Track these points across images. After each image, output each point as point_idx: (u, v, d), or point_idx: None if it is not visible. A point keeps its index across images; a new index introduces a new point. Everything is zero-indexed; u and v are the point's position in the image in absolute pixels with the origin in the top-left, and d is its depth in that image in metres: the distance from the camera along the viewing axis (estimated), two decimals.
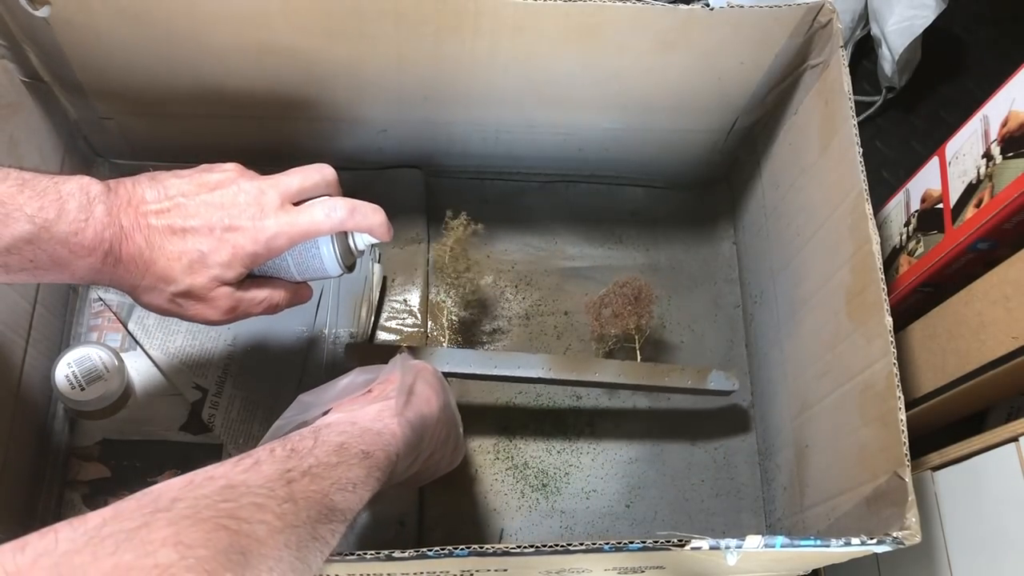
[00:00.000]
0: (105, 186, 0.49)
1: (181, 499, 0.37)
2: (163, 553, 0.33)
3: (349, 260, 0.57)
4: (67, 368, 0.69)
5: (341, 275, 0.57)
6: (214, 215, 0.50)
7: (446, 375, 0.68)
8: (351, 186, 0.85)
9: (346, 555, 0.49)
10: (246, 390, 0.75)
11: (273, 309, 0.56)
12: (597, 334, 0.79)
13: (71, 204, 0.46)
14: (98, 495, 0.71)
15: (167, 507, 0.36)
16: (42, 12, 0.61)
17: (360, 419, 0.51)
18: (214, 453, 0.74)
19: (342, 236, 0.56)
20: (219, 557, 0.35)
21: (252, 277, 0.55)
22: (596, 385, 0.76)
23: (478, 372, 0.72)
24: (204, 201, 0.51)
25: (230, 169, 0.53)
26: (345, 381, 0.57)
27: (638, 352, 0.77)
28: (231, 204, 0.51)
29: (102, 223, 0.47)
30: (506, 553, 0.50)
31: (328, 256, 0.55)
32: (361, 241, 0.56)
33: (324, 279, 0.58)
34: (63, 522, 0.33)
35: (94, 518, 0.34)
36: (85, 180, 0.48)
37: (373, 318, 0.80)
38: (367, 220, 0.55)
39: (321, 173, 0.55)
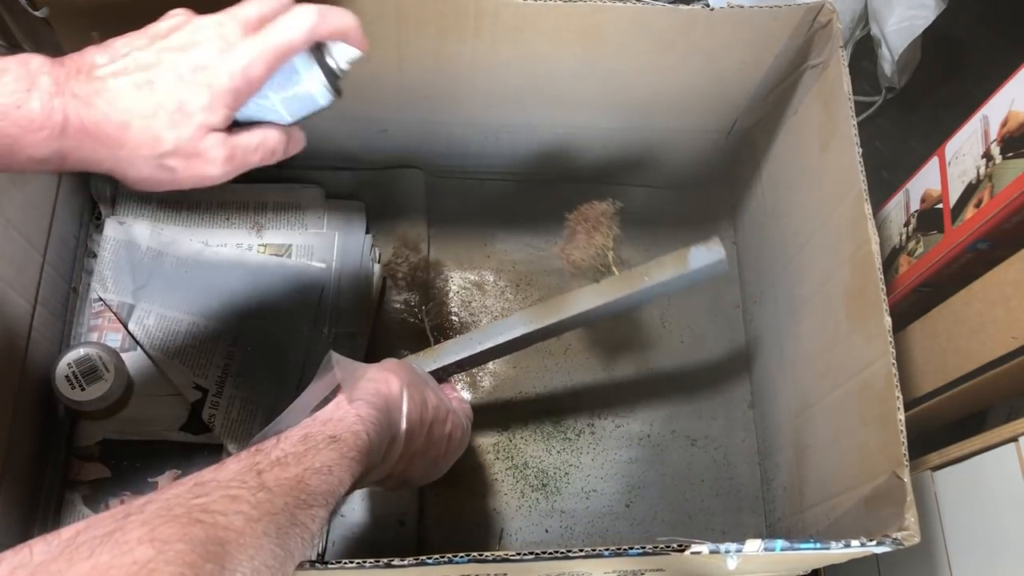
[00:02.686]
0: (49, 59, 0.45)
1: (152, 501, 0.37)
2: (140, 551, 0.33)
3: (335, 81, 0.52)
4: (67, 368, 0.69)
5: (331, 102, 0.52)
6: (178, 59, 0.45)
7: (437, 372, 0.67)
8: (351, 186, 0.85)
9: (346, 563, 0.49)
10: (246, 390, 0.75)
11: (270, 154, 0.51)
12: (574, 274, 0.73)
13: (7, 77, 0.43)
14: (98, 495, 0.71)
15: (138, 510, 0.36)
16: (42, 12, 0.61)
17: (320, 415, 0.51)
18: (214, 453, 0.74)
19: (320, 56, 0.51)
20: (197, 549, 0.35)
21: (240, 125, 0.50)
22: (584, 320, 0.69)
23: (467, 355, 0.68)
24: (162, 48, 0.46)
25: (179, 12, 0.48)
26: (303, 399, 0.55)
27: (613, 268, 0.70)
28: (192, 44, 0.46)
29: (48, 93, 0.43)
30: (506, 559, 0.50)
31: (311, 79, 0.50)
32: (341, 57, 0.51)
33: (315, 112, 0.52)
34: (37, 538, 0.34)
35: (67, 531, 0.34)
36: (25, 55, 0.44)
37: (373, 318, 0.80)
38: (341, 21, 0.49)
39: None
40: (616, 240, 0.70)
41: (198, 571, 0.34)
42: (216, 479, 0.40)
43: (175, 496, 0.38)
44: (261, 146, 0.50)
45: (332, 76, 0.51)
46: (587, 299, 0.67)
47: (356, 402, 0.52)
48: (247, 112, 0.50)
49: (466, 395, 0.81)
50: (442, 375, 0.68)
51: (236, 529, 0.37)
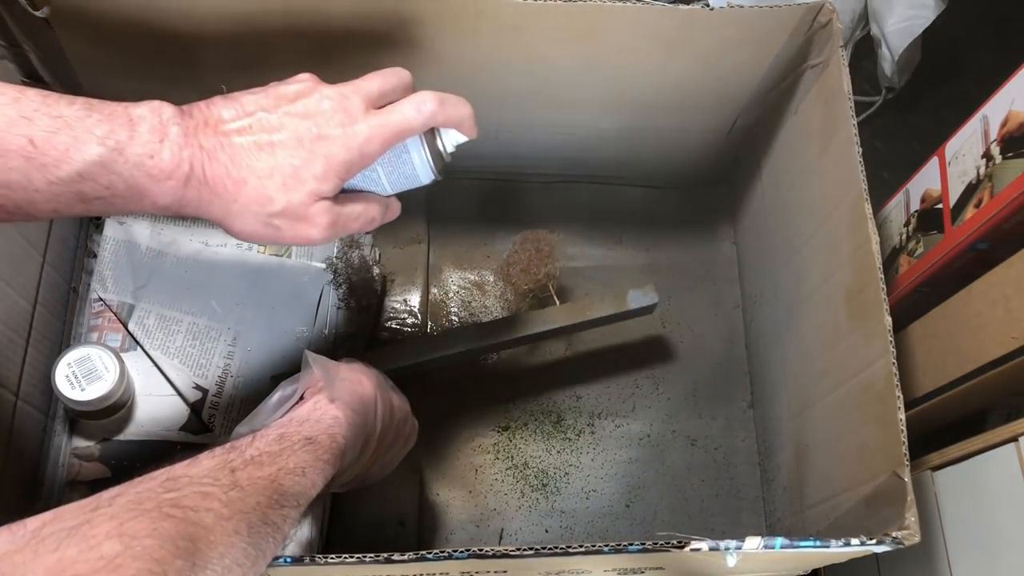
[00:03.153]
0: (178, 109, 0.46)
1: (122, 495, 0.36)
2: (108, 545, 0.33)
3: (439, 163, 0.54)
4: (67, 368, 0.69)
5: (433, 181, 0.54)
6: (300, 126, 0.47)
7: (393, 371, 0.67)
8: None
9: (346, 558, 0.49)
10: (246, 390, 0.75)
11: (369, 224, 0.52)
12: (513, 293, 0.79)
13: (143, 127, 0.44)
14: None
15: (107, 503, 0.36)
16: (42, 12, 0.61)
17: (297, 415, 0.51)
18: None
19: (431, 138, 0.53)
20: (167, 545, 0.34)
21: (345, 192, 0.51)
22: (529, 340, 0.75)
23: (411, 362, 0.71)
24: (287, 112, 0.47)
25: (306, 79, 0.50)
26: (275, 398, 0.55)
27: (555, 298, 0.76)
28: (316, 113, 0.48)
29: (178, 144, 0.44)
30: (505, 555, 0.50)
31: (420, 160, 0.52)
32: (449, 141, 0.53)
33: (415, 188, 0.54)
34: (2, 527, 0.33)
35: (33, 522, 0.34)
36: (156, 103, 0.45)
37: (373, 318, 0.80)
38: (457, 111, 0.51)
39: (398, 76, 0.52)
40: (555, 273, 0.77)
41: (167, 567, 0.34)
42: (188, 474, 0.40)
43: (146, 490, 0.37)
44: (362, 216, 0.51)
45: (438, 158, 0.53)
46: (534, 323, 0.73)
47: (336, 401, 0.52)
48: (353, 181, 0.51)
49: (467, 394, 0.81)
50: (400, 376, 0.68)
51: (207, 526, 0.37)
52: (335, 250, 0.81)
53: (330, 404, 0.52)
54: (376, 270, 0.81)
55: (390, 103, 0.51)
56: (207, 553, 0.36)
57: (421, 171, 0.53)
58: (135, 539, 0.34)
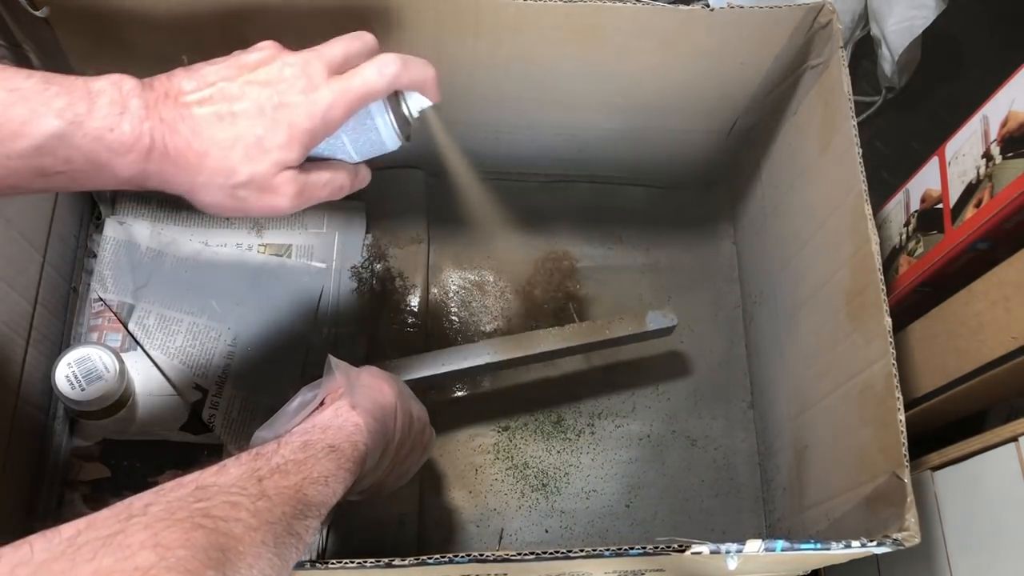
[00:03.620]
0: (139, 81, 0.45)
1: (154, 503, 0.37)
2: (142, 556, 0.33)
3: (405, 128, 0.53)
4: (67, 368, 0.69)
5: (399, 147, 0.54)
6: (262, 94, 0.46)
7: (411, 383, 0.67)
8: None
9: (347, 563, 0.49)
10: (246, 390, 0.75)
11: (338, 192, 0.52)
12: (533, 315, 0.80)
13: (102, 100, 0.43)
14: (98, 495, 0.71)
15: (141, 512, 0.36)
16: (42, 12, 0.61)
17: (319, 421, 0.51)
18: (214, 453, 0.74)
19: (395, 102, 0.52)
20: (199, 556, 0.35)
21: (311, 160, 0.51)
22: (545, 357, 0.76)
23: (428, 374, 0.72)
24: (248, 81, 0.47)
25: (268, 46, 0.49)
26: (296, 402, 0.55)
27: (575, 316, 0.78)
28: (278, 80, 0.47)
29: (139, 117, 0.44)
30: (506, 559, 0.50)
31: (384, 125, 0.52)
32: (414, 105, 0.53)
33: (382, 154, 0.54)
34: (36, 535, 0.33)
35: (68, 529, 0.34)
36: (116, 76, 0.45)
37: (373, 318, 0.80)
38: (420, 73, 0.51)
39: (362, 40, 0.51)
40: (577, 295, 0.80)
41: None
42: (217, 483, 0.40)
43: (177, 499, 0.38)
44: (329, 183, 0.51)
45: (404, 123, 0.53)
46: (551, 341, 0.74)
47: (357, 409, 0.52)
48: (318, 149, 0.51)
49: (467, 394, 0.81)
50: (417, 388, 0.68)
51: (236, 536, 0.37)
52: (360, 259, 0.81)
53: (351, 411, 0.52)
54: (398, 281, 0.82)
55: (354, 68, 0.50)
56: (236, 564, 0.37)
57: (386, 136, 0.52)
58: (169, 550, 0.34)
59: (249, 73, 0.47)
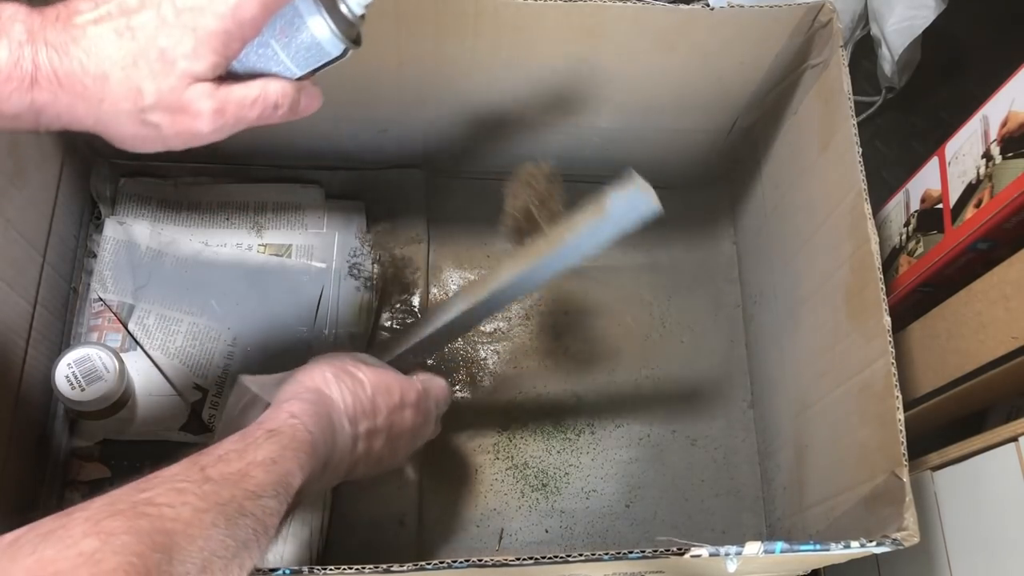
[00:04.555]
0: (29, 8, 0.41)
1: (96, 499, 0.36)
2: (85, 543, 0.33)
3: (346, 27, 0.45)
4: (67, 368, 0.69)
5: (346, 53, 0.46)
6: (163, 2, 0.41)
7: (397, 360, 0.66)
8: (351, 186, 0.85)
9: (344, 569, 0.49)
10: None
11: (273, 110, 0.45)
12: (511, 232, 0.68)
13: None
14: (98, 495, 0.71)
15: (82, 508, 0.35)
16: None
17: (256, 420, 0.51)
18: None
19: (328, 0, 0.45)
20: (144, 540, 0.34)
21: (240, 76, 0.45)
22: (524, 287, 0.64)
23: (414, 342, 0.66)
24: None
25: None
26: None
27: (544, 225, 0.65)
28: None
29: (18, 41, 0.39)
30: (505, 564, 0.50)
31: (317, 23, 0.44)
32: (355, 0, 0.46)
33: (328, 64, 0.46)
34: None
35: (7, 536, 0.33)
36: (2, 3, 0.41)
37: (373, 318, 0.80)
38: None
39: None
40: (545, 203, 0.67)
41: (146, 560, 0.34)
42: (160, 476, 0.40)
43: (119, 493, 0.37)
44: (260, 100, 0.44)
45: (344, 22, 0.45)
46: (516, 265, 0.62)
47: (286, 402, 0.52)
48: (248, 63, 0.45)
49: (467, 394, 0.81)
50: (402, 365, 0.66)
51: (184, 520, 0.37)
52: (360, 259, 0.81)
53: (279, 407, 0.51)
54: (376, 269, 0.81)
55: None
56: (185, 546, 0.36)
57: (323, 38, 0.45)
58: (112, 535, 0.34)
59: None
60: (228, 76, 0.44)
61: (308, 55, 0.45)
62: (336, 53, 0.46)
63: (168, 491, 0.38)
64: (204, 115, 0.42)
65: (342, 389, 0.56)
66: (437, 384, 0.65)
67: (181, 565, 0.36)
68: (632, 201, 0.58)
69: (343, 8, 0.45)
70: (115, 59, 0.41)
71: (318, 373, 0.56)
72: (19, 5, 0.41)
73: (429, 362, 0.82)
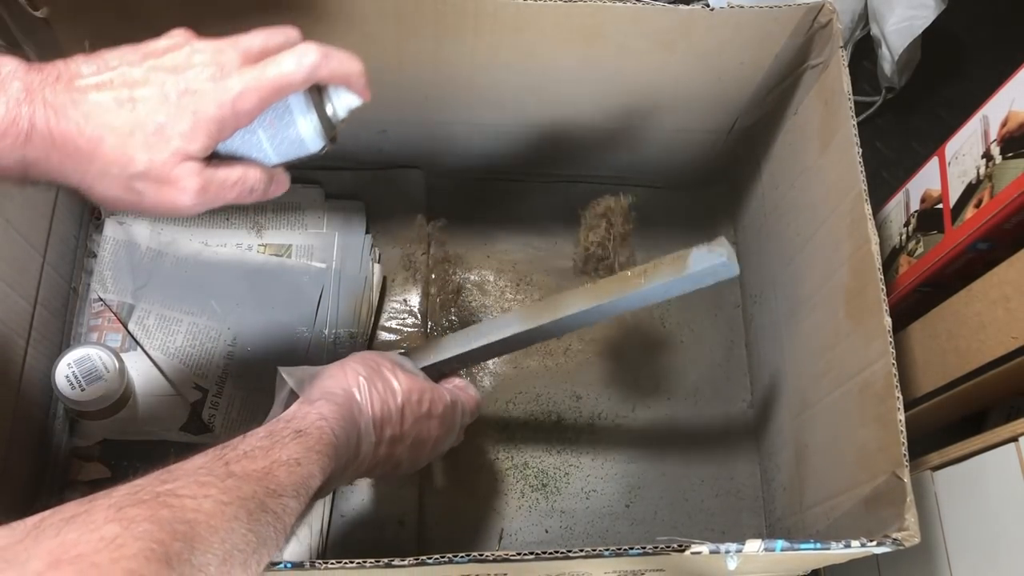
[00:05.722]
0: (27, 64, 0.42)
1: (119, 488, 0.36)
2: (107, 528, 0.33)
3: (330, 129, 0.49)
4: (67, 368, 0.69)
5: (322, 150, 0.50)
6: (167, 81, 0.43)
7: (435, 367, 0.66)
8: (351, 186, 0.85)
9: (346, 563, 0.49)
10: (246, 390, 0.75)
11: (248, 193, 0.48)
12: (581, 260, 0.72)
13: None
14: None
15: (105, 495, 0.35)
16: (42, 12, 0.61)
17: (282, 416, 0.51)
18: None
19: (318, 99, 0.48)
20: (165, 528, 0.34)
21: (220, 157, 0.47)
22: (580, 322, 0.64)
23: (461, 352, 0.66)
24: (153, 67, 0.44)
25: (179, 33, 0.46)
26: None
27: (616, 265, 0.68)
28: (186, 66, 0.44)
29: (16, 99, 0.41)
30: (506, 559, 0.50)
31: (305, 123, 0.48)
32: (340, 104, 0.49)
33: (304, 158, 0.50)
34: (1, 526, 0.33)
35: (32, 518, 0.34)
36: (1, 58, 0.42)
37: (373, 318, 0.80)
38: (344, 67, 0.47)
39: (285, 34, 0.47)
40: (621, 239, 0.69)
41: (167, 548, 0.34)
42: (183, 468, 0.40)
43: (142, 483, 0.37)
44: (239, 183, 0.47)
45: (328, 123, 0.49)
46: (582, 300, 0.63)
47: (316, 401, 0.52)
48: (231, 145, 0.47)
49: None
50: (441, 370, 0.67)
51: (206, 511, 0.37)
52: (360, 259, 0.80)
53: (310, 406, 0.52)
54: (376, 269, 0.81)
55: None
56: (207, 537, 0.36)
57: (307, 136, 0.48)
58: (134, 522, 0.34)
59: (155, 59, 0.44)
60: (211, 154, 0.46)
61: (289, 148, 0.49)
62: (315, 150, 0.49)
63: (191, 483, 0.38)
64: (188, 191, 0.45)
65: (372, 395, 0.56)
66: (468, 396, 0.66)
67: (202, 555, 0.36)
68: (716, 265, 0.58)
69: (329, 110, 0.49)
70: (113, 126, 0.43)
71: (352, 374, 0.56)
72: (19, 61, 0.42)
73: None
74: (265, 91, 0.45)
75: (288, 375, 0.56)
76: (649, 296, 0.62)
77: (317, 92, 0.48)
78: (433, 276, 0.85)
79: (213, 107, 0.44)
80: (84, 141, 0.42)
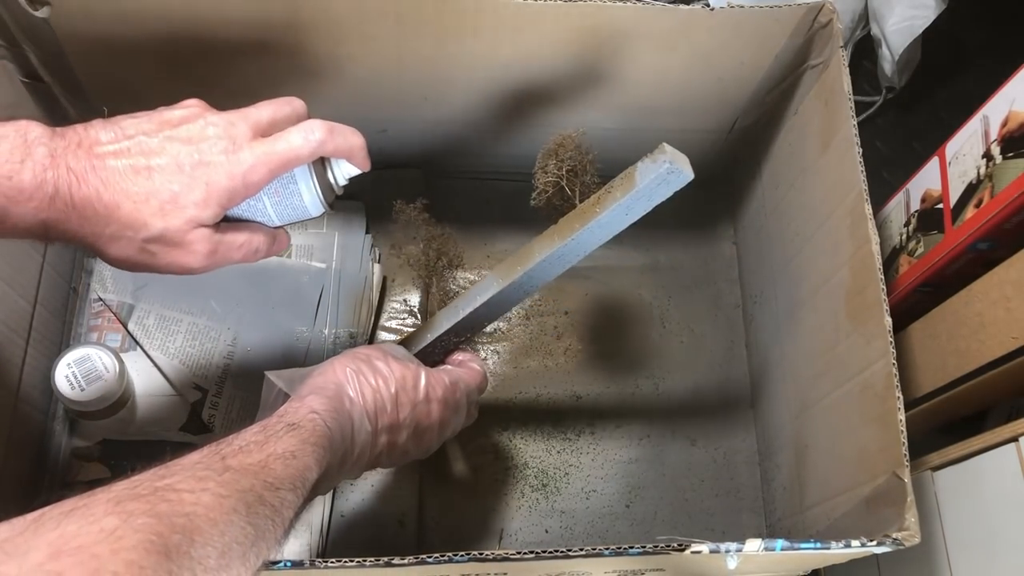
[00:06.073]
0: (50, 129, 0.45)
1: (118, 483, 0.37)
2: (107, 520, 0.33)
3: (330, 196, 0.53)
4: (67, 368, 0.69)
5: (322, 215, 0.54)
6: (182, 151, 0.46)
7: (427, 350, 0.65)
8: (351, 186, 0.85)
9: (346, 562, 0.49)
10: (246, 390, 0.75)
11: (253, 255, 0.52)
12: (543, 207, 0.65)
13: (3, 145, 0.43)
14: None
15: (104, 490, 0.36)
16: (42, 12, 0.61)
17: (276, 412, 0.51)
18: None
19: (320, 169, 0.52)
20: (164, 521, 0.35)
21: (228, 221, 0.50)
22: (557, 265, 0.61)
23: (450, 326, 0.65)
24: (169, 137, 0.47)
25: (193, 104, 0.49)
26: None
27: (577, 202, 0.63)
28: (199, 139, 0.47)
29: (42, 165, 0.43)
30: (506, 558, 0.50)
31: (308, 191, 0.52)
32: (340, 174, 0.53)
33: (304, 220, 0.54)
34: (1, 522, 0.33)
35: (33, 513, 0.34)
36: (23, 122, 0.44)
37: (373, 318, 0.80)
38: (347, 141, 0.51)
39: (292, 105, 0.51)
40: (575, 174, 0.64)
41: (166, 540, 0.34)
42: (180, 463, 0.40)
43: (140, 478, 0.37)
44: (245, 245, 0.51)
45: (328, 190, 0.53)
46: (548, 243, 0.61)
47: (306, 397, 0.52)
48: (238, 211, 0.51)
49: None
50: (440, 350, 0.66)
51: (204, 505, 0.37)
52: (360, 259, 0.80)
53: (301, 401, 0.52)
54: (376, 270, 0.81)
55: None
56: (207, 530, 0.37)
57: (310, 203, 0.52)
58: (133, 515, 0.34)
59: (171, 129, 0.47)
60: None
61: (292, 213, 0.53)
62: (315, 215, 0.54)
63: (189, 478, 0.39)
64: (199, 254, 0.48)
65: (363, 386, 0.56)
66: (472, 371, 0.65)
67: (201, 548, 0.36)
68: (662, 173, 0.56)
69: (331, 179, 0.53)
70: (129, 193, 0.45)
71: (340, 369, 0.56)
72: (42, 128, 0.45)
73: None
74: (274, 165, 0.48)
75: (277, 377, 0.56)
76: (612, 223, 0.60)
77: (320, 163, 0.52)
78: (433, 276, 0.85)
79: (225, 179, 0.47)
80: (102, 207, 0.45)
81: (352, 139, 0.51)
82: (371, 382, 0.57)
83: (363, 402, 0.56)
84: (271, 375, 0.56)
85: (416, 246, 0.73)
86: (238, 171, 0.47)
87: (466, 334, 0.67)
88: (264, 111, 0.49)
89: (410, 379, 0.59)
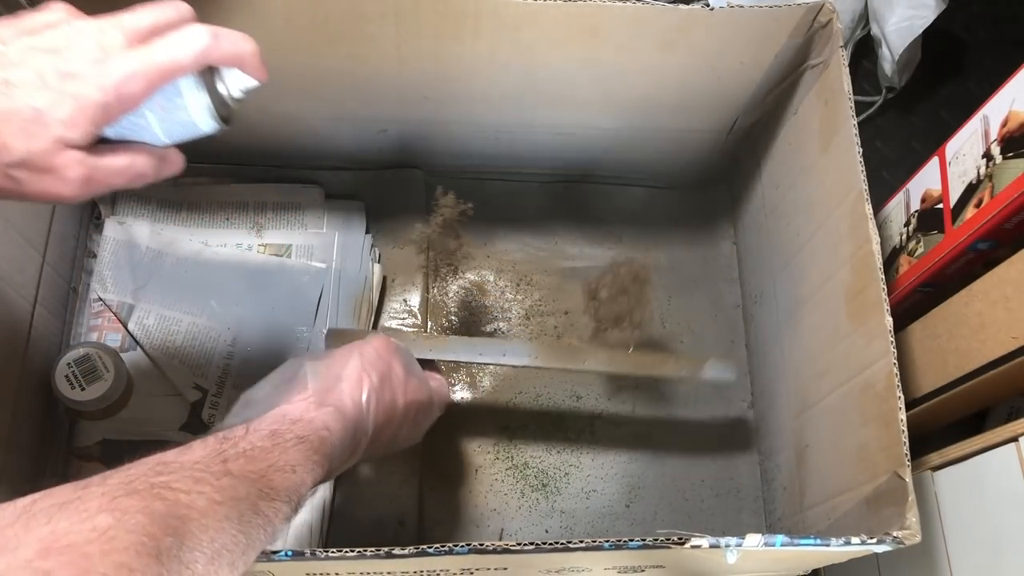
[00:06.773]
0: None
1: (113, 475, 0.36)
2: (100, 518, 0.33)
3: (223, 110, 0.47)
4: (67, 368, 0.69)
5: (217, 131, 0.47)
6: (45, 62, 0.40)
7: (429, 361, 0.66)
8: (351, 186, 0.85)
9: (346, 552, 0.49)
10: (246, 390, 0.75)
11: (138, 179, 0.45)
12: (592, 316, 0.74)
13: None
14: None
15: (99, 482, 0.35)
16: None
17: (291, 412, 0.50)
18: None
19: (209, 80, 0.46)
20: (157, 521, 0.34)
21: (107, 142, 0.44)
22: (584, 373, 0.71)
23: (463, 359, 0.68)
24: (29, 46, 0.40)
25: (60, 8, 0.43)
26: (267, 389, 0.54)
27: (632, 338, 0.72)
28: (65, 47, 0.41)
29: None
30: (506, 551, 0.50)
31: (196, 104, 0.45)
32: (234, 85, 0.46)
33: (196, 138, 0.47)
34: None
35: (23, 500, 0.33)
36: None
37: (373, 318, 0.80)
38: (236, 47, 0.44)
39: (176, 9, 0.44)
40: (643, 312, 0.72)
41: (158, 542, 0.34)
42: (180, 461, 0.40)
43: (137, 473, 0.37)
44: (128, 170, 0.45)
45: (222, 104, 0.47)
46: (597, 361, 0.69)
47: (325, 408, 0.51)
48: (117, 129, 0.45)
49: (466, 394, 0.81)
50: (428, 364, 0.67)
51: (199, 508, 0.37)
52: (360, 259, 0.80)
53: (317, 411, 0.51)
54: (376, 269, 0.81)
55: None
56: (198, 535, 0.36)
57: (198, 117, 0.46)
58: (127, 514, 0.34)
59: (31, 38, 0.41)
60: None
61: (182, 130, 0.46)
62: (208, 131, 0.47)
63: (186, 478, 0.38)
64: (72, 181, 0.42)
65: (379, 408, 0.56)
66: (442, 395, 0.66)
67: (191, 552, 0.36)
68: (727, 375, 0.71)
69: (221, 90, 0.46)
70: None
71: (367, 381, 0.55)
72: None
73: None
74: (153, 76, 0.42)
75: (312, 373, 0.54)
76: (651, 377, 0.71)
77: (209, 73, 0.46)
78: (433, 276, 0.85)
79: (96, 92, 0.41)
80: None
81: (242, 45, 0.45)
82: (386, 404, 0.57)
83: (374, 421, 0.56)
84: (309, 365, 0.54)
85: (434, 230, 0.73)
86: (110, 83, 0.41)
87: (462, 364, 0.69)
88: (143, 16, 0.43)
89: (415, 406, 0.60)
